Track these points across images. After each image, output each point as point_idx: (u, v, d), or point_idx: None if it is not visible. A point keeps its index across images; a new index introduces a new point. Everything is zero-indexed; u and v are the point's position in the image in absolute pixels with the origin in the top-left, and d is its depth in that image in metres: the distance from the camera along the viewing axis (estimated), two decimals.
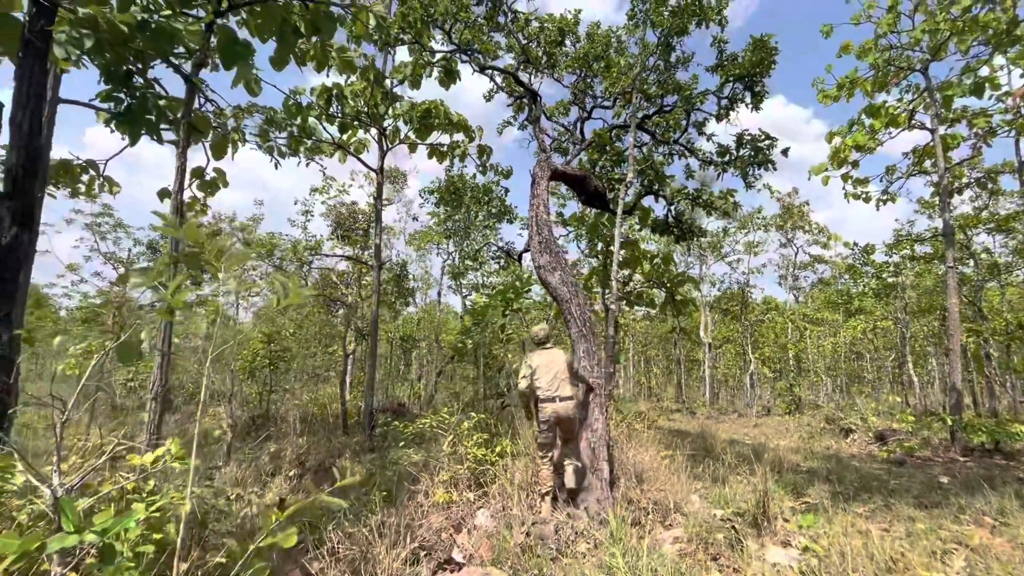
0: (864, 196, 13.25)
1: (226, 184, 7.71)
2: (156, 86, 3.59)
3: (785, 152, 8.13)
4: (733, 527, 4.48)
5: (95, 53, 2.64)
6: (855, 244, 14.47)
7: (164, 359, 4.41)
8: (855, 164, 12.02)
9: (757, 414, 19.91)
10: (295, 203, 18.05)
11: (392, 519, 4.56)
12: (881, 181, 13.17)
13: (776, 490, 6.83)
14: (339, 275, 12.64)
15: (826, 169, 11.76)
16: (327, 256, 11.80)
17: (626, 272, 15.42)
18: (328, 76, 6.97)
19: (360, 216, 15.14)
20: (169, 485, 2.75)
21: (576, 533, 4.08)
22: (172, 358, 11.81)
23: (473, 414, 5.06)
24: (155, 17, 2.92)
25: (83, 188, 7.49)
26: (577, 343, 5.56)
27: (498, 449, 5.15)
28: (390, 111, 9.09)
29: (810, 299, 23.86)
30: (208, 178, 7.46)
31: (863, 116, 12.34)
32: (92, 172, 7.35)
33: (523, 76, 10.52)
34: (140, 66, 3.27)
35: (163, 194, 7.21)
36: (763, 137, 8.21)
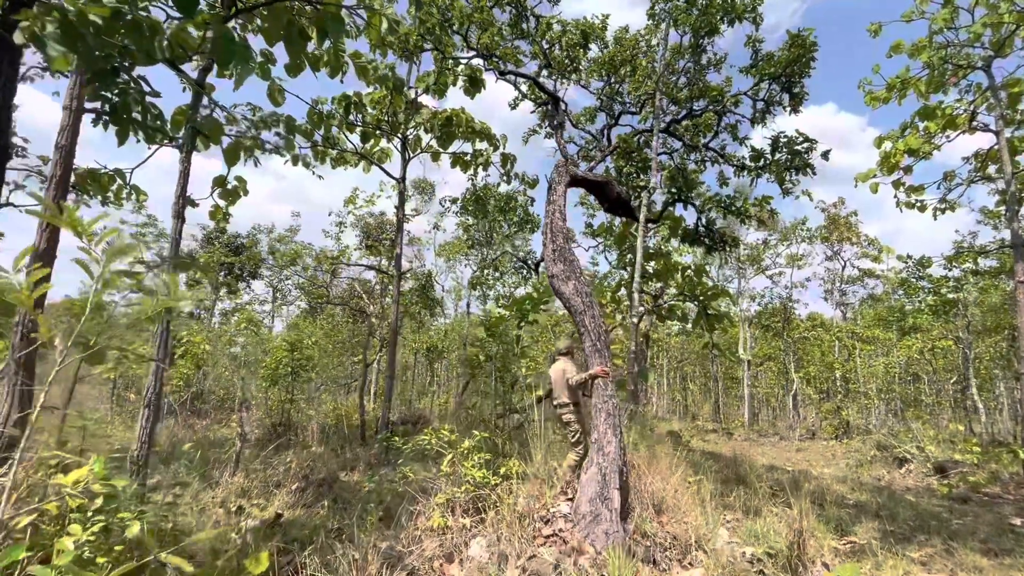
0: (919, 205, 12.26)
1: (246, 192, 7.73)
2: (143, 84, 3.52)
3: (825, 155, 7.51)
4: (762, 571, 3.96)
5: (63, 45, 2.53)
6: (909, 257, 13.40)
7: (159, 365, 4.30)
8: (908, 170, 11.13)
9: (800, 438, 18.67)
10: (329, 214, 18.40)
11: (384, 543, 4.27)
12: (938, 188, 12.15)
13: (817, 527, 6.16)
14: (363, 284, 12.65)
15: (874, 176, 10.92)
16: (348, 265, 11.81)
17: (658, 285, 14.81)
18: (342, 82, 6.91)
19: (388, 227, 15.21)
20: (120, 503, 2.55)
21: (580, 570, 3.67)
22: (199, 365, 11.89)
23: (476, 432, 4.74)
24: (131, 10, 2.80)
25: (112, 196, 7.68)
26: (591, 357, 5.18)
27: (503, 470, 4.79)
28: (412, 120, 9.02)
29: (860, 316, 22.36)
30: (230, 186, 7.51)
31: (917, 119, 11.47)
32: (120, 181, 7.52)
33: (548, 83, 10.29)
34: (128, 63, 3.19)
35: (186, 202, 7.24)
36: (800, 139, 7.62)
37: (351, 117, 8.56)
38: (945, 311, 12.64)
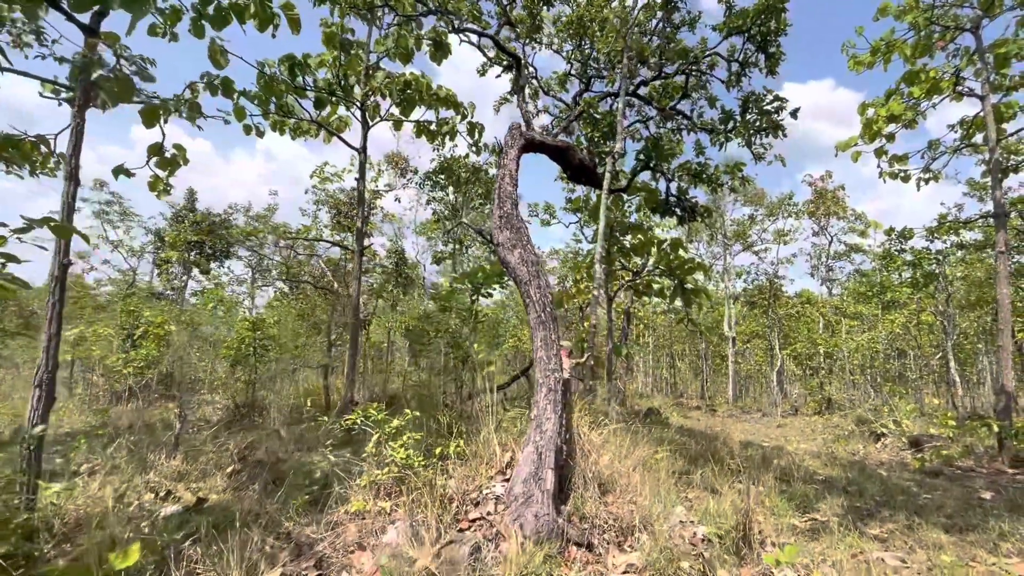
0: (902, 175, 11.91)
1: (186, 161, 7.24)
2: None
3: (794, 114, 7.09)
4: (701, 554, 3.70)
5: None
6: (892, 230, 13.09)
7: (51, 341, 3.93)
8: (890, 138, 10.73)
9: (783, 414, 18.63)
10: (305, 192, 17.83)
11: (304, 530, 3.99)
12: (922, 158, 11.78)
13: (778, 504, 5.96)
14: (327, 262, 12.24)
15: (855, 144, 10.52)
16: (308, 241, 11.36)
17: (640, 260, 14.48)
18: (280, 35, 6.39)
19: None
20: None
21: (502, 556, 3.39)
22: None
23: (408, 410, 4.43)
24: None
25: (38, 166, 7.19)
26: (535, 330, 4.85)
27: (438, 451, 4.50)
28: (365, 84, 8.50)
29: (846, 291, 22.21)
30: (168, 155, 7.04)
31: (902, 85, 11.03)
32: (45, 148, 7.03)
33: (517, 47, 9.77)
34: None
35: (119, 171, 6.80)
36: (769, 98, 7.18)
37: (299, 80, 8.04)
38: (924, 284, 12.40)
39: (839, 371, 19.55)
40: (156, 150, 6.96)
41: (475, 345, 6.29)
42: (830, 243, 20.38)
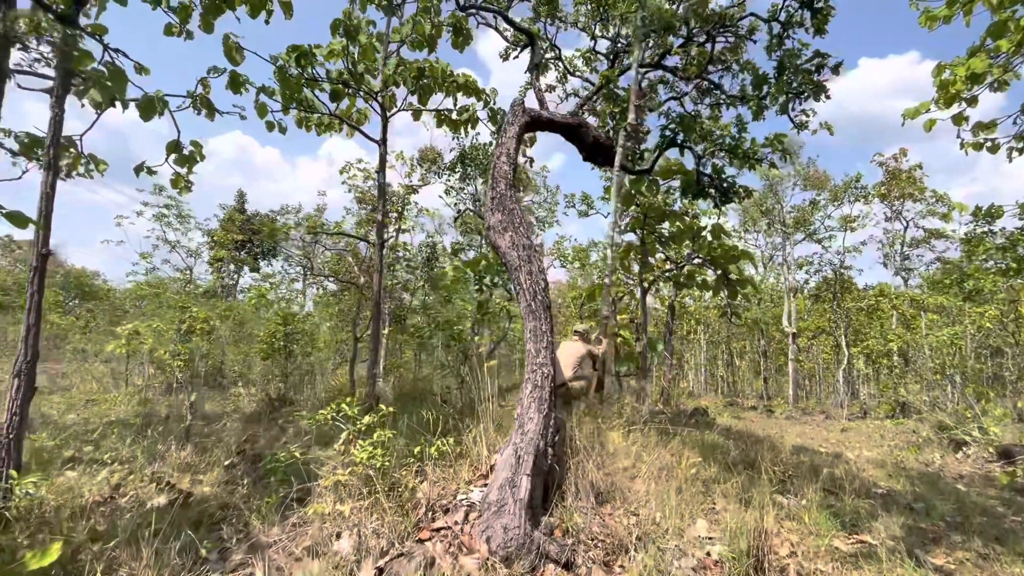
0: (989, 145, 10.30)
1: (203, 157, 7.35)
2: None
3: (836, 69, 6.07)
4: None
5: None
6: (979, 209, 11.40)
7: (29, 332, 3.94)
8: (972, 101, 9.26)
9: (849, 417, 16.94)
10: (348, 191, 18.20)
11: (268, 531, 3.77)
12: (1015, 123, 10.12)
13: (822, 522, 5.16)
14: (355, 256, 12.30)
15: (928, 110, 9.15)
16: (330, 235, 11.44)
17: (684, 251, 13.54)
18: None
19: (394, 198, 14.73)
20: None
21: (461, 574, 2.99)
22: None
23: (382, 406, 4.12)
24: None
25: (67, 167, 7.52)
26: (526, 320, 4.41)
27: (417, 450, 4.16)
28: (378, 72, 8.33)
29: (925, 282, 19.90)
30: (186, 152, 7.16)
31: (987, 39, 9.52)
32: (72, 149, 7.34)
33: (539, 27, 9.31)
34: None
35: (140, 169, 6.97)
36: (806, 53, 6.19)
37: (309, 71, 7.98)
38: (1018, 270, 10.64)
39: (915, 370, 17.53)
40: (174, 147, 7.06)
41: (478, 338, 5.93)
42: (905, 229, 18.26)
